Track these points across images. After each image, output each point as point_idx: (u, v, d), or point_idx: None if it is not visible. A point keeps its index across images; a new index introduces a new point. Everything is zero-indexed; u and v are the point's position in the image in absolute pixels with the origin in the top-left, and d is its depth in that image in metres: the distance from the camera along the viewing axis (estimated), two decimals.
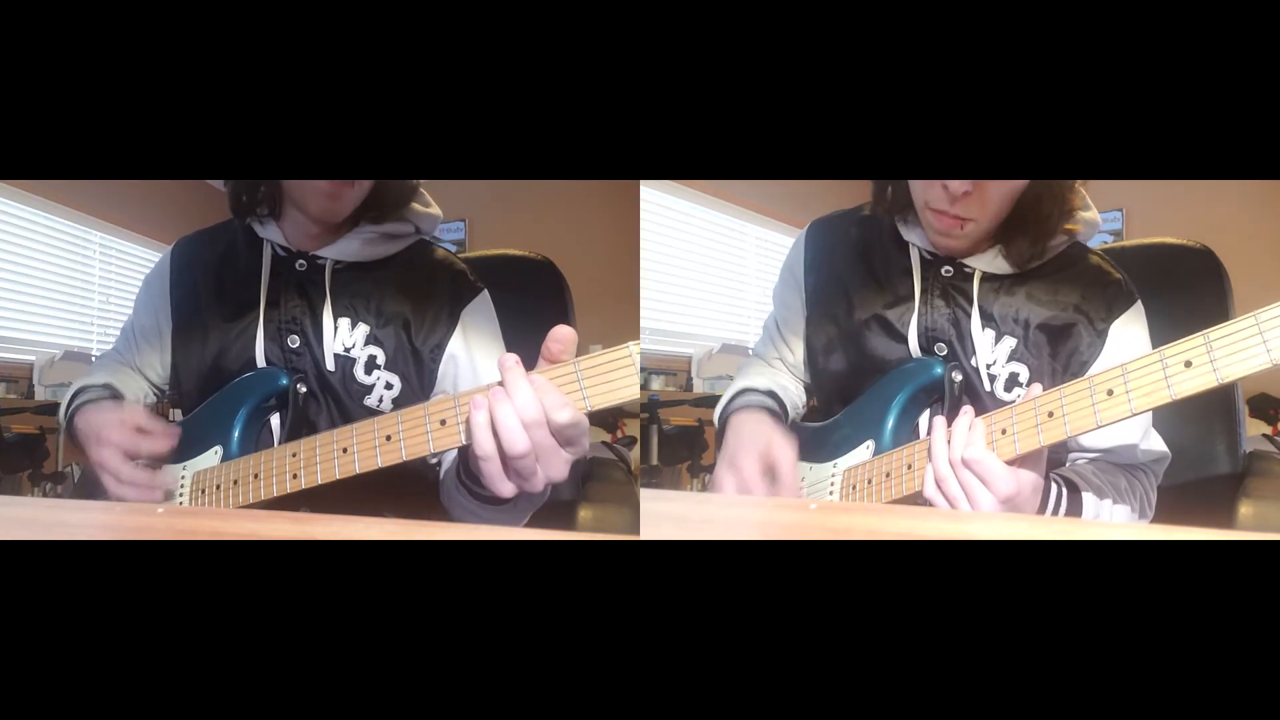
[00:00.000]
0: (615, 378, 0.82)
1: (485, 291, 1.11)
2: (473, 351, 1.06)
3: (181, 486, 1.02)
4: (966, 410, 0.90)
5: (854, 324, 1.06)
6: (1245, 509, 1.14)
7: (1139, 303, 1.02)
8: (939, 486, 0.89)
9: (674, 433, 2.41)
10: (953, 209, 0.96)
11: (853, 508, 0.96)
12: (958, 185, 0.94)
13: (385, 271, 1.08)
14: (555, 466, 0.82)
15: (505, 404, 0.80)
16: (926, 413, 1.03)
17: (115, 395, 1.11)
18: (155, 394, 1.17)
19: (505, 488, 0.82)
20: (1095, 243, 1.08)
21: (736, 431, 1.05)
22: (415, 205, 1.09)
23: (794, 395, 1.15)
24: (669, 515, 0.84)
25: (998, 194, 0.96)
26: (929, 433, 1.01)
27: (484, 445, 0.81)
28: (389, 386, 1.05)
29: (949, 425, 0.90)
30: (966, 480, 0.87)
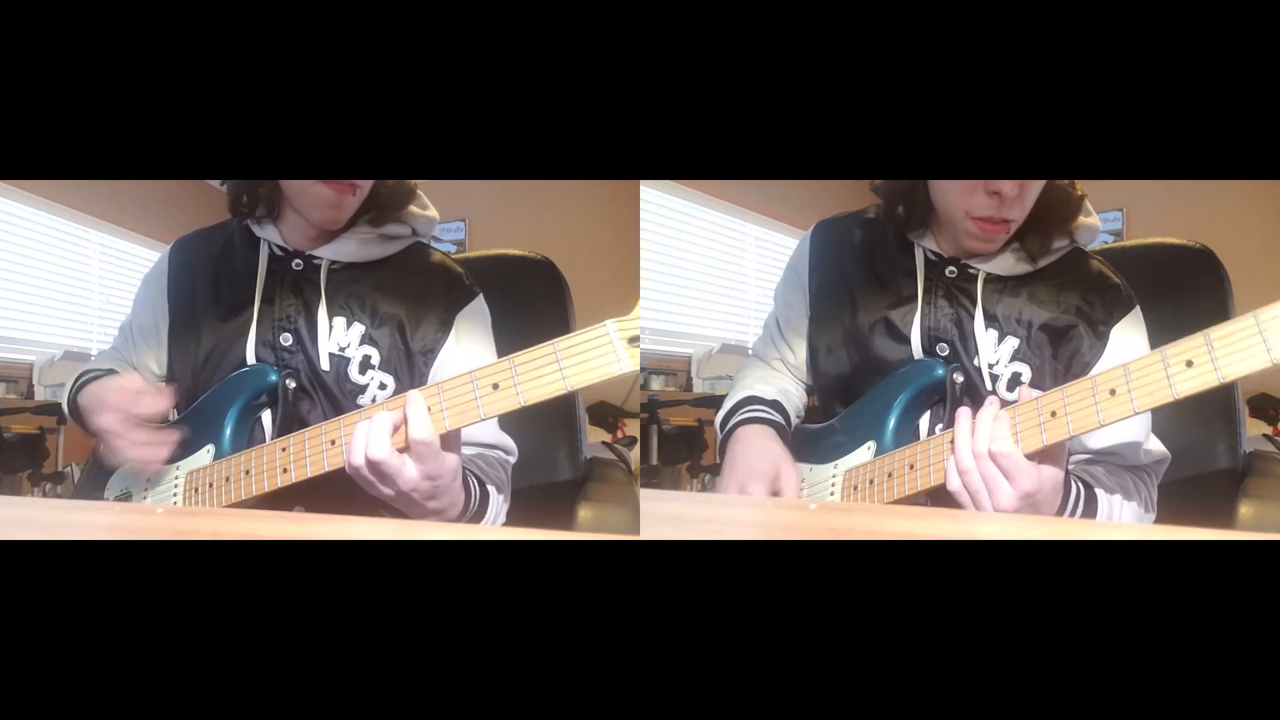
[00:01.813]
0: (593, 356, 0.84)
1: (480, 295, 1.11)
2: (460, 356, 1.06)
3: (176, 486, 1.02)
4: (992, 401, 0.89)
5: (857, 325, 1.06)
6: (1245, 509, 1.14)
7: (1138, 308, 1.03)
8: (962, 479, 0.88)
9: (674, 433, 2.40)
10: (999, 213, 0.96)
11: (853, 508, 0.96)
12: (1010, 189, 0.94)
13: (382, 273, 1.08)
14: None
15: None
16: (928, 414, 1.03)
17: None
18: None
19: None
20: (1096, 243, 1.09)
21: (745, 453, 1.06)
22: (413, 208, 1.09)
23: (795, 400, 1.15)
24: (669, 515, 0.85)
25: (1034, 192, 0.97)
26: (930, 432, 1.01)
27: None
28: (382, 387, 1.05)
29: (973, 417, 0.89)
30: (988, 473, 0.86)
